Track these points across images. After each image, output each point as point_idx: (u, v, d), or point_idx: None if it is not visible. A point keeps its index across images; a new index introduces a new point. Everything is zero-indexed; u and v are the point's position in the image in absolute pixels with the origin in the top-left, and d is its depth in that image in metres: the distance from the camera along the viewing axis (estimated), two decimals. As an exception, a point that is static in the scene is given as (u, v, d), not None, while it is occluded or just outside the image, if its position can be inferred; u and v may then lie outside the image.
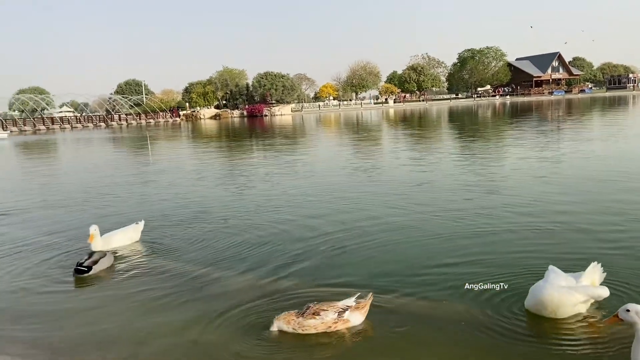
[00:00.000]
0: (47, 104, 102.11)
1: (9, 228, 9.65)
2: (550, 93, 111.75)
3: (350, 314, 4.72)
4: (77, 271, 6.41)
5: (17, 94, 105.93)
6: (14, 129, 73.28)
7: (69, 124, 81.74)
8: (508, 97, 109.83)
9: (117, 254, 7.32)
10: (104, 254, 6.77)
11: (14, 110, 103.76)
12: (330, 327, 4.64)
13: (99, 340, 4.78)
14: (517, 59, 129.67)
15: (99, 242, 7.35)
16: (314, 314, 4.64)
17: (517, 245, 6.83)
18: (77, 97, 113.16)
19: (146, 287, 6.06)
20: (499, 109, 63.30)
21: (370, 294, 4.94)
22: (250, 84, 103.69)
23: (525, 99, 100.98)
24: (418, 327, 4.67)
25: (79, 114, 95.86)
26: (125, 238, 7.75)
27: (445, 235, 7.46)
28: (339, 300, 4.85)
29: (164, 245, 7.78)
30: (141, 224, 8.12)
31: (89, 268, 6.41)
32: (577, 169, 12.79)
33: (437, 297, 5.30)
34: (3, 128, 71.15)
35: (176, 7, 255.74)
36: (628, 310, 3.70)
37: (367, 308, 4.83)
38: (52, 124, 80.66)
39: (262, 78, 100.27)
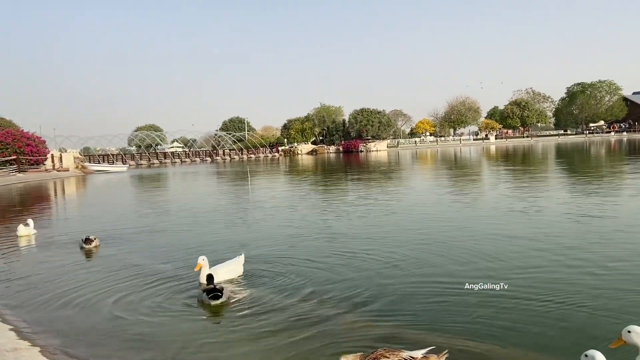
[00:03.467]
0: (161, 140, 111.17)
1: (119, 251, 10.10)
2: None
3: None
4: (214, 297, 6.37)
5: (135, 130, 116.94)
6: (132, 162, 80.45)
7: (178, 158, 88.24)
8: (625, 133, 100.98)
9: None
10: (223, 287, 6.70)
11: (132, 146, 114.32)
12: None
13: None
14: (634, 93, 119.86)
15: (206, 274, 7.29)
16: (374, 359, 4.20)
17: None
18: (187, 134, 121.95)
19: (252, 322, 5.83)
20: (614, 146, 58.06)
21: (446, 351, 4.37)
22: (347, 120, 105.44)
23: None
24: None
25: (188, 149, 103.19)
26: (230, 271, 7.66)
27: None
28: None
29: (267, 278, 7.61)
30: (242, 257, 8.03)
31: (221, 292, 6.40)
32: None
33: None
34: (123, 162, 78.52)
35: (275, 45, 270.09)
36: (629, 332, 3.93)
37: None
38: (165, 158, 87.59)
39: (358, 114, 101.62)
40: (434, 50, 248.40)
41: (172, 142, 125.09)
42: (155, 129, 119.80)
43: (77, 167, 56.81)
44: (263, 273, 7.93)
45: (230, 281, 7.55)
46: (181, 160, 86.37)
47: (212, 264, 7.74)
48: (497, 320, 5.45)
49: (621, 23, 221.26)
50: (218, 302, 6.36)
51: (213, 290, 6.42)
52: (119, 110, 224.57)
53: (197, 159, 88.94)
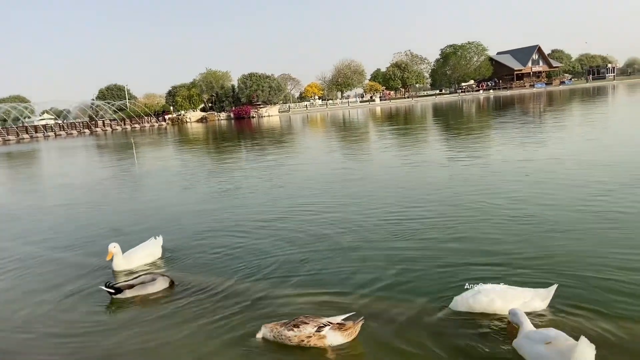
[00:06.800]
0: (30, 112, 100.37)
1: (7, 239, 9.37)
2: (532, 86, 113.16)
3: (329, 331, 4.42)
4: (109, 292, 6.08)
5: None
6: (-3, 138, 71.89)
7: (52, 131, 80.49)
8: (491, 91, 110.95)
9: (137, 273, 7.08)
10: (153, 279, 6.25)
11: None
12: (303, 341, 4.44)
13: None
14: (498, 53, 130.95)
15: (120, 261, 7.11)
16: (294, 325, 4.47)
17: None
18: (58, 104, 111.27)
19: (170, 306, 5.88)
20: (483, 103, 63.84)
21: (362, 318, 4.59)
22: (236, 85, 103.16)
23: (508, 92, 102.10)
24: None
25: (62, 121, 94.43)
26: (147, 255, 7.46)
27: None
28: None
29: (184, 259, 7.56)
30: (160, 239, 7.84)
31: (117, 290, 6.08)
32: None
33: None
34: (-16, 138, 69.81)
35: (152, 7, 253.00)
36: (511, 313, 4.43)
37: (351, 331, 4.47)
38: (36, 132, 79.37)
39: (247, 79, 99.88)
40: (318, 14, 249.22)
41: (42, 113, 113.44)
42: (22, 99, 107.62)
43: None
44: (178, 252, 7.89)
45: (153, 266, 7.41)
46: (55, 134, 78.93)
47: (123, 246, 7.51)
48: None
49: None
50: (117, 297, 6.07)
51: (113, 287, 6.09)
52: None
53: (74, 132, 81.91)
